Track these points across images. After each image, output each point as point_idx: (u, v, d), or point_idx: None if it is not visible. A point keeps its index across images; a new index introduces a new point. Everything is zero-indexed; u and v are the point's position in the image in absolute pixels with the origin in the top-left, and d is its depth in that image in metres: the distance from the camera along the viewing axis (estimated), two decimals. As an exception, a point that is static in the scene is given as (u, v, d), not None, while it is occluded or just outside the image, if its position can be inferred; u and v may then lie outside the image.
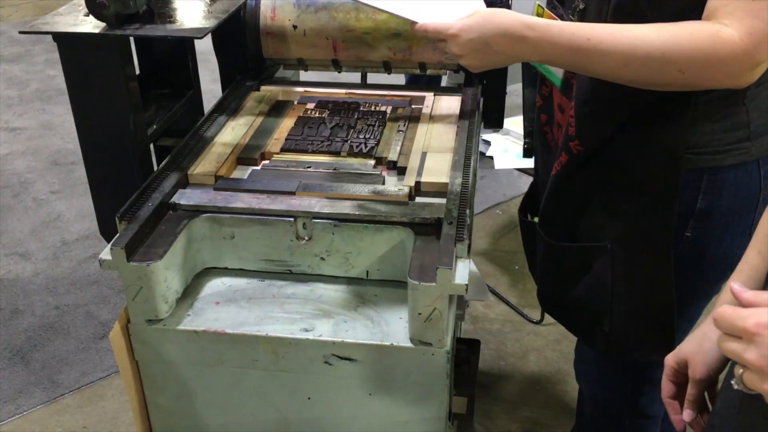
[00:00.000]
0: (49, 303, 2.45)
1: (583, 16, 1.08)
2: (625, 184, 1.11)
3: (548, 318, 2.34)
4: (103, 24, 1.33)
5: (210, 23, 1.33)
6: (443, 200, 1.25)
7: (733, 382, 0.67)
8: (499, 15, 1.05)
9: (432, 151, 1.43)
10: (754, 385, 0.63)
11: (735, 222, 1.10)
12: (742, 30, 0.89)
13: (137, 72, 1.59)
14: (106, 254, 1.14)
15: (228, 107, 1.63)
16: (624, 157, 1.09)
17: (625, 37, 0.96)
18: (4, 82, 4.12)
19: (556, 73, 1.20)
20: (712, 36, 0.91)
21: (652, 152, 1.06)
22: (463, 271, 1.08)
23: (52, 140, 3.50)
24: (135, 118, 1.42)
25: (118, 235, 1.16)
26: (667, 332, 1.17)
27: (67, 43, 1.36)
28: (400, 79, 2.51)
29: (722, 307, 0.66)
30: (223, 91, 1.81)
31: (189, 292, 1.25)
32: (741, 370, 0.65)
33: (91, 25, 1.33)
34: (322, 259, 1.26)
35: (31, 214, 2.94)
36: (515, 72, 1.56)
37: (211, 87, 2.01)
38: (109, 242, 1.17)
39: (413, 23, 1.17)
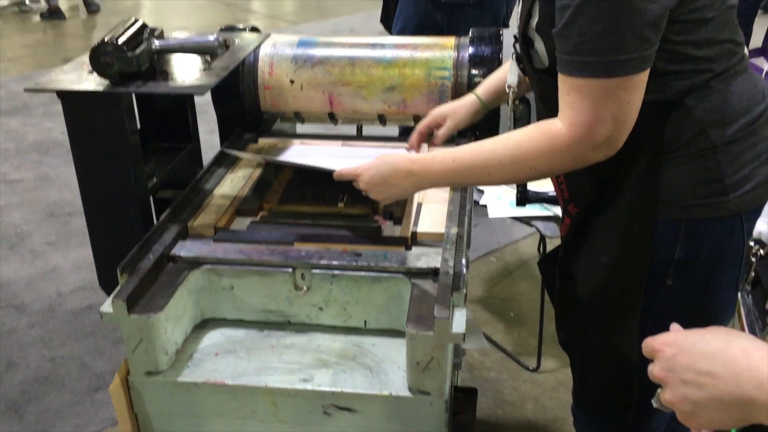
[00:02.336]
0: (44, 355, 2.44)
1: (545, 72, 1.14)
2: (609, 236, 1.15)
3: (545, 365, 2.34)
4: (107, 81, 1.36)
5: (210, 80, 1.37)
6: (439, 249, 1.27)
7: (653, 401, 0.73)
8: (391, 155, 1.23)
9: (427, 201, 1.46)
10: (664, 398, 0.71)
11: (718, 274, 1.13)
12: (566, 122, 1.02)
13: (138, 126, 1.63)
14: (107, 307, 1.15)
15: (227, 160, 1.66)
16: (609, 210, 1.13)
17: (480, 153, 1.12)
18: (2, 134, 4.16)
19: None
20: (545, 133, 1.05)
21: (628, 204, 1.10)
22: (460, 320, 1.10)
23: (49, 192, 3.52)
24: (136, 171, 1.45)
25: (119, 287, 1.17)
26: (627, 389, 1.20)
27: (72, 100, 1.39)
28: (394, 130, 2.56)
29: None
30: (221, 142, 1.85)
31: (188, 343, 1.26)
32: (659, 390, 0.72)
33: (95, 83, 1.37)
34: (321, 309, 1.27)
35: (27, 266, 2.94)
36: (505, 124, 1.61)
37: (208, 138, 2.05)
38: (108, 294, 1.19)
39: (332, 171, 1.35)
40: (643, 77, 0.99)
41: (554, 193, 1.30)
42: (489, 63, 1.68)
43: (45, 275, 2.90)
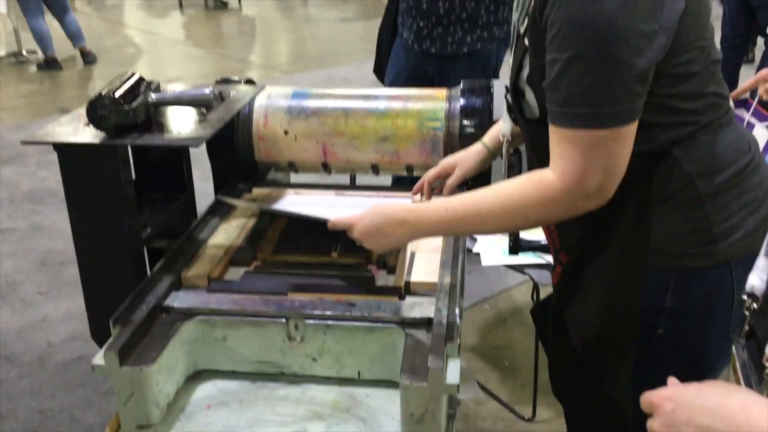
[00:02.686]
0: (33, 407, 2.40)
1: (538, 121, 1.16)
2: (599, 285, 1.15)
3: (540, 414, 2.32)
4: (103, 133, 1.38)
5: (206, 132, 1.39)
6: (433, 299, 1.28)
7: None
8: (386, 205, 1.23)
9: (420, 251, 1.47)
10: None
11: (709, 323, 1.13)
12: (557, 172, 1.04)
13: (133, 176, 1.64)
14: (99, 359, 1.15)
15: (221, 209, 1.67)
16: (599, 259, 1.14)
17: (473, 203, 1.13)
18: (-5, 183, 4.17)
19: None
20: (536, 183, 1.07)
21: (618, 253, 1.11)
22: (455, 370, 1.10)
23: (41, 241, 3.52)
24: (130, 222, 1.46)
25: (111, 339, 1.16)
26: None
27: (68, 152, 1.40)
28: (387, 180, 2.58)
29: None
30: (215, 191, 1.86)
31: (180, 396, 1.25)
32: None
33: (91, 135, 1.38)
34: (314, 359, 1.27)
35: (18, 316, 2.92)
36: (497, 170, 1.62)
37: (202, 186, 2.06)
38: (100, 346, 1.18)
39: (326, 221, 1.35)
40: (632, 128, 1.01)
41: (546, 242, 1.32)
42: (480, 114, 1.71)
43: (35, 325, 2.87)
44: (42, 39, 6.22)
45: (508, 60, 1.23)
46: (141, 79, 1.48)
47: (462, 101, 1.74)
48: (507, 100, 1.24)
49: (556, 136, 1.04)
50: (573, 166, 1.02)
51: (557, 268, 1.24)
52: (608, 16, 0.93)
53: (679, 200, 1.08)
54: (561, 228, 1.20)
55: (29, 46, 6.66)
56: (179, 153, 1.76)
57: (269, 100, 1.81)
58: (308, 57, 7.03)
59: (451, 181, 1.52)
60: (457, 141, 1.71)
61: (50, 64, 6.33)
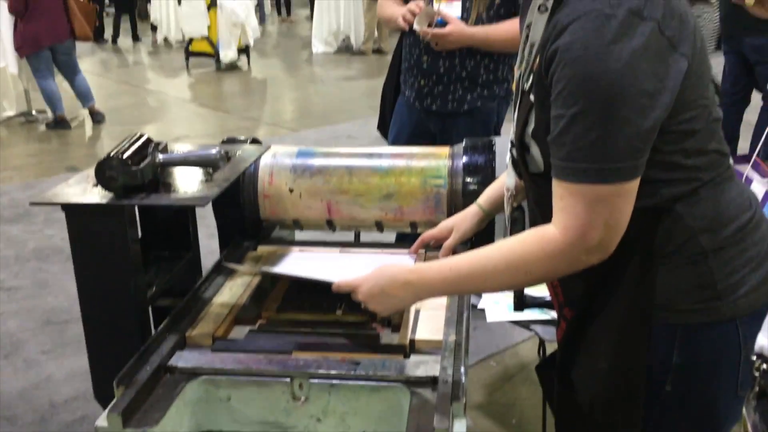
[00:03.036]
0: (33, 470, 2.37)
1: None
2: (605, 342, 1.15)
3: (549, 474, 2.27)
4: (111, 194, 1.40)
5: (212, 191, 1.41)
6: (438, 357, 1.27)
7: None
8: (390, 267, 1.25)
9: (425, 308, 1.46)
10: None
11: (717, 379, 1.12)
12: (560, 226, 1.05)
13: (139, 234, 1.65)
14: (102, 421, 1.14)
15: (226, 268, 1.68)
16: (604, 315, 1.14)
17: (476, 260, 1.14)
18: (2, 242, 4.19)
19: None
20: (539, 238, 1.08)
21: (623, 309, 1.11)
22: (461, 430, 1.09)
23: (47, 299, 3.52)
24: (135, 281, 1.46)
25: (114, 400, 1.16)
26: None
27: (76, 212, 1.42)
28: (391, 236, 2.60)
29: None
30: (220, 249, 1.88)
31: (183, 458, 1.24)
32: None
33: (99, 195, 1.40)
34: (319, 420, 1.26)
35: (20, 376, 2.90)
36: (501, 228, 1.64)
37: (208, 242, 2.07)
38: (103, 406, 1.18)
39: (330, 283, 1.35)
40: (635, 184, 1.02)
41: (551, 298, 1.32)
42: (483, 171, 1.73)
43: (38, 384, 2.85)
44: (52, 99, 6.34)
45: (510, 117, 1.26)
46: (149, 140, 1.51)
47: (464, 159, 1.76)
48: (512, 155, 1.26)
49: (559, 190, 1.05)
50: (575, 220, 1.03)
51: (562, 324, 1.24)
52: (613, 75, 0.95)
53: (683, 256, 1.09)
54: (564, 283, 1.20)
55: (39, 105, 6.79)
56: (185, 212, 1.78)
57: (274, 158, 1.83)
58: (314, 114, 7.13)
59: (448, 243, 1.54)
60: (460, 198, 1.73)
61: (59, 123, 6.44)
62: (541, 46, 1.05)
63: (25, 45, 6.06)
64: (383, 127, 2.93)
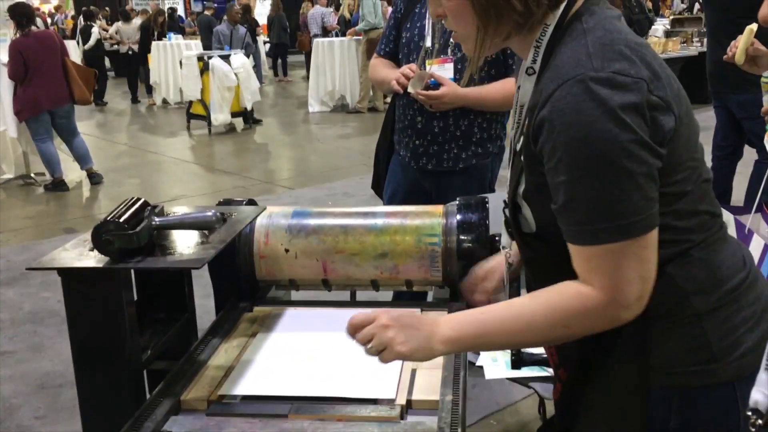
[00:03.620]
0: None
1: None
2: (602, 406, 1.14)
3: None
4: (107, 258, 1.41)
5: (208, 254, 1.42)
6: (435, 418, 1.26)
7: None
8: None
9: (421, 367, 1.46)
10: None
11: None
12: (597, 286, 1.03)
13: (135, 297, 1.65)
14: (95, 489, 1.12)
15: (222, 329, 1.67)
16: (599, 378, 1.13)
17: (512, 306, 1.12)
18: (-3, 305, 4.18)
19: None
20: (577, 293, 1.05)
21: (618, 371, 1.10)
22: (459, 494, 1.07)
23: (41, 363, 3.48)
24: (130, 345, 1.46)
25: (108, 468, 1.14)
26: None
27: (72, 276, 1.43)
28: (387, 295, 2.59)
29: None
30: (216, 309, 1.87)
31: None
32: None
33: (95, 259, 1.41)
34: (315, 484, 1.24)
35: (13, 442, 2.85)
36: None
37: (203, 302, 2.07)
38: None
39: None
40: (656, 234, 1.03)
41: (547, 356, 1.31)
42: (476, 228, 1.75)
43: (31, 452, 2.80)
44: (50, 162, 6.41)
45: (504, 173, 1.27)
46: (145, 204, 1.52)
47: (459, 217, 1.78)
48: (504, 214, 1.26)
49: (583, 254, 1.04)
50: (610, 279, 1.02)
51: (557, 385, 1.23)
52: (609, 134, 0.97)
53: (676, 318, 1.09)
54: (559, 344, 1.19)
55: (37, 168, 6.84)
56: (181, 274, 1.78)
57: (270, 219, 1.85)
58: (310, 173, 7.20)
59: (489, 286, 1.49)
60: (455, 256, 1.74)
61: (57, 185, 6.49)
62: (529, 110, 1.08)
63: (24, 109, 6.16)
64: (377, 187, 2.95)
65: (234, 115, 9.13)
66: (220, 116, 8.92)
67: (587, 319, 1.05)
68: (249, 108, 9.26)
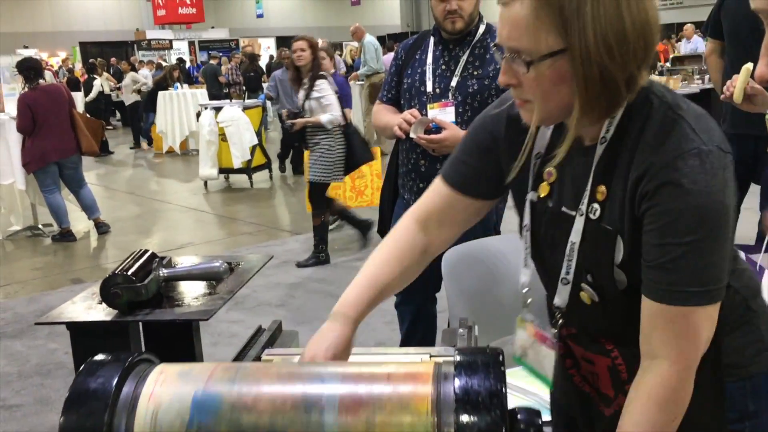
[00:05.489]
0: None
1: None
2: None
3: None
4: (115, 311, 1.42)
5: (216, 305, 1.42)
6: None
7: None
8: None
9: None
10: None
11: None
12: (676, 351, 1.08)
13: (143, 348, 1.65)
14: None
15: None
16: None
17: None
18: (4, 358, 4.16)
19: (546, 376, 1.29)
20: (662, 386, 1.08)
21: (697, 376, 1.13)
22: None
23: (48, 416, 3.46)
24: (139, 398, 1.45)
25: None
26: None
27: (80, 329, 1.43)
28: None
29: None
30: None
31: None
32: None
33: (104, 312, 1.42)
34: None
35: (20, 499, 2.82)
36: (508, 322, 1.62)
37: (210, 351, 2.07)
38: None
39: None
40: None
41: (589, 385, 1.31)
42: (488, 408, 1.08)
43: (38, 508, 2.76)
44: (58, 213, 6.46)
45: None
46: (153, 255, 1.54)
47: (457, 384, 1.01)
48: (584, 280, 1.19)
49: (666, 314, 1.07)
50: (690, 343, 1.07)
51: (619, 399, 1.21)
52: (720, 204, 1.04)
53: (741, 320, 1.21)
54: (628, 360, 1.19)
55: (45, 219, 6.89)
56: (189, 325, 1.78)
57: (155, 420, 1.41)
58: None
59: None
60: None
61: (65, 236, 6.53)
62: (635, 181, 1.08)
63: (32, 161, 6.23)
64: (383, 231, 2.97)
65: (229, 171, 8.55)
66: (205, 171, 8.46)
67: (678, 398, 1.09)
68: (237, 166, 8.54)
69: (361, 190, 6.24)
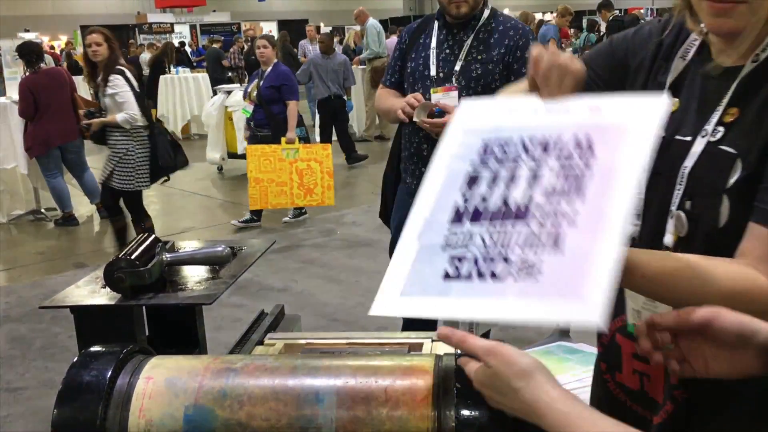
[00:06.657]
0: None
1: None
2: (738, 413, 1.11)
3: None
4: (119, 294, 1.42)
5: (219, 289, 1.43)
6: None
7: None
8: None
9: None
10: None
11: None
12: None
13: (146, 332, 1.66)
14: None
15: (233, 364, 1.67)
16: (731, 396, 1.10)
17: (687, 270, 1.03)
18: (9, 341, 4.19)
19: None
20: (755, 278, 1.01)
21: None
22: None
23: (52, 399, 3.46)
24: (143, 381, 1.46)
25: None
26: None
27: (84, 313, 1.44)
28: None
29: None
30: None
31: None
32: None
33: (107, 297, 1.42)
34: None
35: (25, 481, 2.84)
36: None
37: (213, 335, 2.07)
38: None
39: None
40: None
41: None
42: None
43: (43, 490, 2.79)
44: (60, 197, 6.47)
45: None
46: (156, 240, 1.54)
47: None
48: (685, 208, 1.13)
49: None
50: None
51: (667, 406, 1.15)
52: None
53: None
54: None
55: (48, 203, 6.90)
56: (192, 309, 1.79)
57: None
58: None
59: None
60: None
61: (67, 220, 6.54)
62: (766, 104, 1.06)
63: (35, 146, 6.23)
64: (385, 216, 2.97)
65: (234, 156, 8.33)
66: (211, 154, 8.43)
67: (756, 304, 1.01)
68: (241, 152, 8.21)
69: (310, 188, 5.72)
